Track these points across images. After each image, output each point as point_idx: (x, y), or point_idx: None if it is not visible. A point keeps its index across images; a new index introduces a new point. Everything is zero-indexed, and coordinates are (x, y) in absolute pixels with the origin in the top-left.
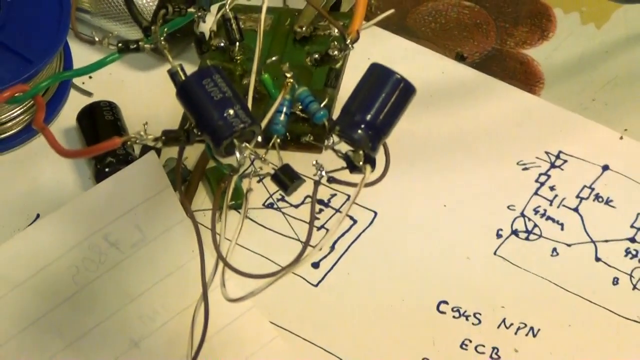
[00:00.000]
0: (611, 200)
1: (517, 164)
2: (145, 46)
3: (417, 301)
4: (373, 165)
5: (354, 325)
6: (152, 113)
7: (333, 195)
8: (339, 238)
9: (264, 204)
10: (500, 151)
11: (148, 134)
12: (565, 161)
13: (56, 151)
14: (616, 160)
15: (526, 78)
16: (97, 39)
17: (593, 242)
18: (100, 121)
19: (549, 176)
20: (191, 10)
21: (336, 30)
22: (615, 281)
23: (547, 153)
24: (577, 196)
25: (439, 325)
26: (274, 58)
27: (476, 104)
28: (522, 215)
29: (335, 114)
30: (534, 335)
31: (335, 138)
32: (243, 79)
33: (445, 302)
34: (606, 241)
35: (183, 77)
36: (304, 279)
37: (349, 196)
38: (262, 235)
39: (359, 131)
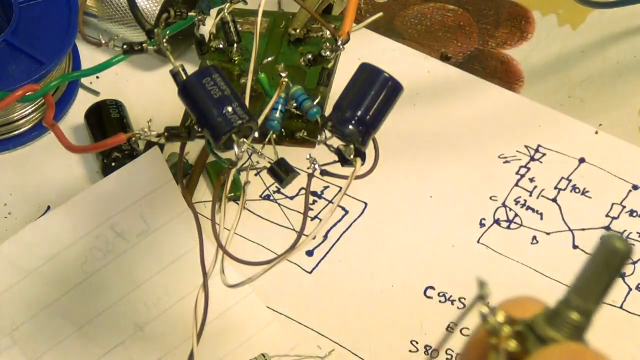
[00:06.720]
0: (587, 191)
1: (499, 157)
2: (149, 48)
3: (406, 287)
4: (363, 159)
5: (346, 310)
6: (155, 111)
7: (326, 187)
8: (331, 227)
9: (260, 196)
10: (483, 145)
11: (152, 131)
12: (544, 154)
13: (65, 147)
14: (592, 153)
15: (507, 76)
16: (103, 41)
17: (570, 230)
18: (107, 118)
19: (528, 168)
20: (192, 14)
21: (328, 32)
22: None
23: (526, 147)
24: (555, 187)
25: (426, 309)
26: (269, 58)
27: (460, 101)
28: (504, 205)
29: (328, 111)
30: None
31: (327, 133)
32: (241, 79)
33: (432, 288)
34: (583, 229)
35: (184, 77)
36: (298, 266)
37: (340, 188)
38: (259, 225)
39: (350, 126)
